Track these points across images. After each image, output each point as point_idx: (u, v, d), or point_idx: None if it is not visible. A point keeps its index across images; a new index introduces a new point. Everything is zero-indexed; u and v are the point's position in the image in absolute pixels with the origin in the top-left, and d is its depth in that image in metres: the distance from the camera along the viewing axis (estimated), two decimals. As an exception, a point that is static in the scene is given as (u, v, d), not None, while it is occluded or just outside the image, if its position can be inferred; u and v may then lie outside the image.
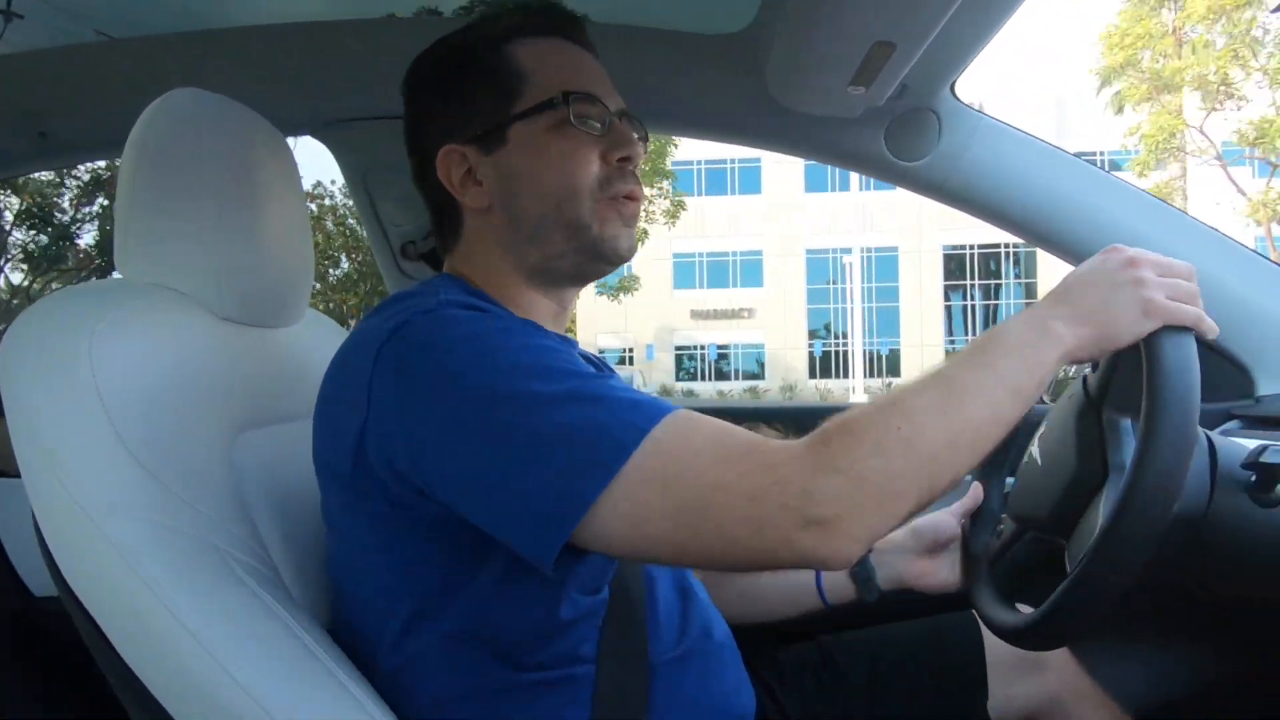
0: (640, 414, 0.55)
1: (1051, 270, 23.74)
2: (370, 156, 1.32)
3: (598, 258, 0.72)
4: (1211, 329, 0.63)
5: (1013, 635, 0.73)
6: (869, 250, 25.42)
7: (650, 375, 26.49)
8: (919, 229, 24.13)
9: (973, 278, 25.96)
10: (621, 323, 26.87)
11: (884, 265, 25.87)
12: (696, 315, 26.89)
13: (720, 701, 0.77)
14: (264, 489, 0.75)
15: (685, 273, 27.08)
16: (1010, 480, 0.88)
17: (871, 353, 25.54)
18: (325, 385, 0.68)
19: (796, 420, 0.91)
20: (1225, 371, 1.13)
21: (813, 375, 25.79)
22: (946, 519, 0.93)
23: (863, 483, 0.52)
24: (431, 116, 0.74)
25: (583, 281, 0.76)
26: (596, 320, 26.30)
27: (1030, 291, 24.40)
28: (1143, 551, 0.58)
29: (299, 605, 0.68)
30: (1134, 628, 1.06)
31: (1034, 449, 0.82)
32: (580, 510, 0.53)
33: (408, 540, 0.64)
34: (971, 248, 24.44)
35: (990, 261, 25.37)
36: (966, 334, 25.58)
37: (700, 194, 26.47)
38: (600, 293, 19.51)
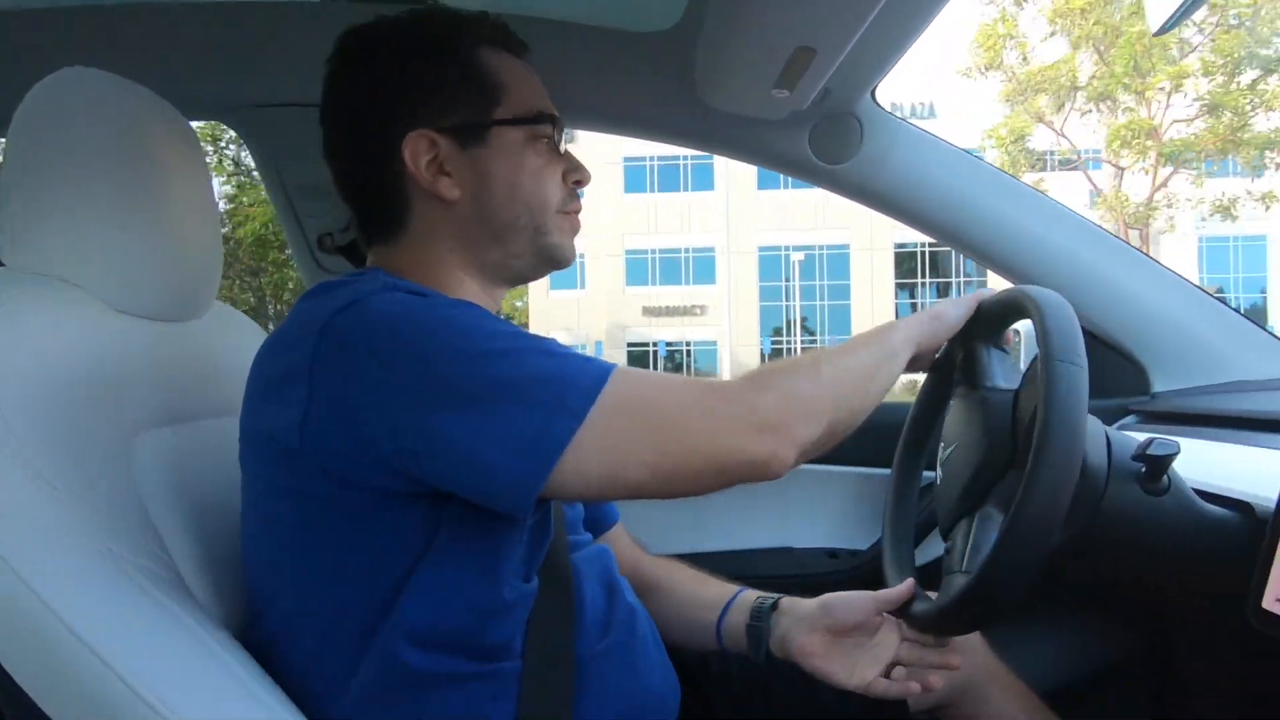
0: (595, 364, 0.62)
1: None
2: (285, 144, 1.26)
3: (550, 262, 0.79)
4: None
5: (924, 621, 0.75)
6: (821, 248, 25.79)
7: None
8: (870, 226, 24.47)
9: (923, 275, 26.48)
10: (575, 319, 26.86)
11: (836, 262, 26.20)
12: (649, 312, 26.92)
13: (645, 695, 0.78)
14: (167, 490, 0.72)
15: (638, 269, 27.12)
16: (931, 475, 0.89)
17: (823, 350, 25.95)
18: (259, 368, 0.68)
19: None
20: (1123, 369, 1.19)
21: (765, 373, 26.10)
22: (861, 601, 0.83)
23: (790, 395, 0.66)
24: (399, 98, 0.73)
25: (524, 282, 0.82)
26: (551, 317, 26.27)
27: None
28: (1043, 539, 0.61)
29: (203, 608, 0.66)
30: (1039, 611, 1.12)
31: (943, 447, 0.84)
32: (558, 448, 0.58)
33: (349, 524, 0.64)
34: (922, 246, 24.94)
35: (940, 259, 25.96)
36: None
37: (653, 190, 26.58)
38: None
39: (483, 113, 0.74)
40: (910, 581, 0.82)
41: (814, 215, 25.29)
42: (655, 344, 26.93)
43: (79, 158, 0.71)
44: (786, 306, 26.45)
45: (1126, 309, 1.17)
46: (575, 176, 0.79)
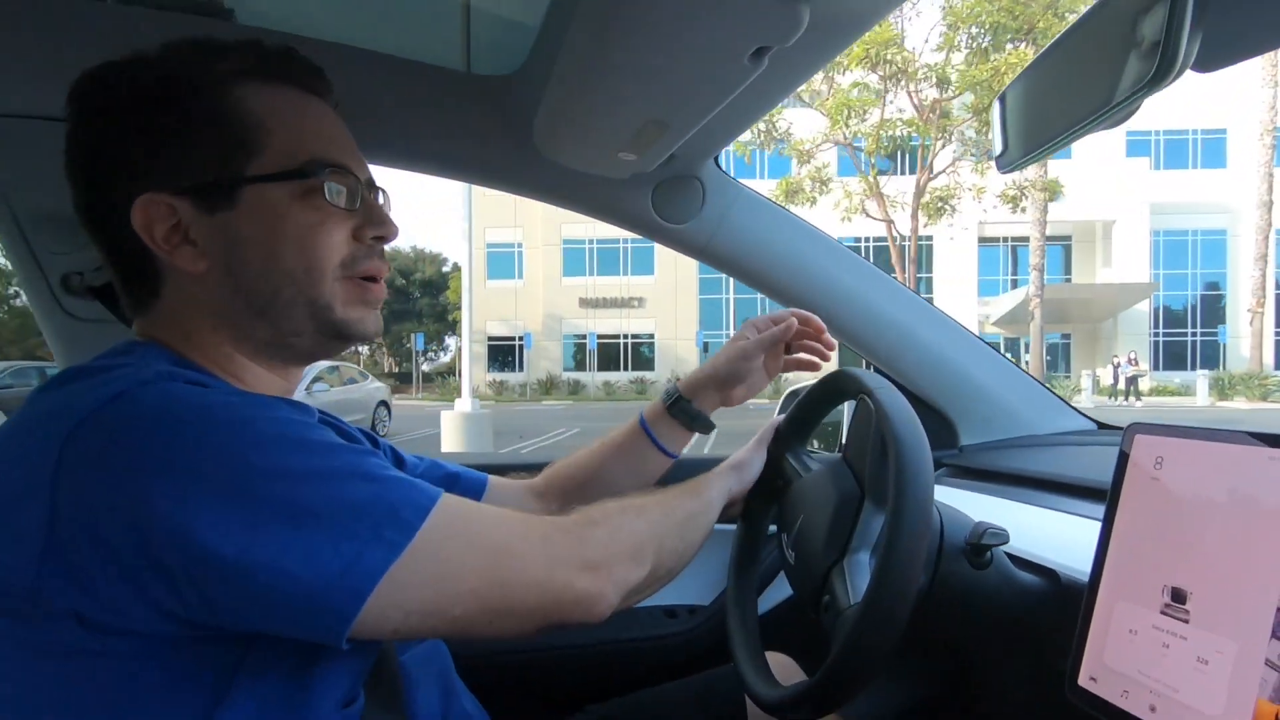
0: (419, 491, 0.57)
1: (946, 264, 24.78)
2: (16, 164, 1.07)
3: (340, 338, 0.67)
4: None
5: (778, 709, 0.77)
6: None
7: (537, 364, 26.16)
8: (818, 221, 24.42)
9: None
10: (512, 310, 26.46)
11: None
12: (586, 304, 26.71)
13: None
14: None
15: (575, 260, 26.82)
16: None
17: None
18: None
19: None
20: (933, 425, 1.29)
21: (702, 366, 26.07)
22: (749, 344, 0.98)
23: (617, 533, 0.67)
24: (127, 152, 0.61)
25: (318, 359, 0.70)
26: (488, 306, 25.79)
27: (928, 286, 25.33)
28: (902, 616, 0.64)
29: None
30: None
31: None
32: (370, 582, 0.52)
33: (105, 679, 0.52)
34: (867, 240, 24.77)
35: (883, 255, 26.15)
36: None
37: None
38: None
39: (231, 167, 0.61)
40: (792, 318, 0.99)
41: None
42: (585, 336, 26.79)
43: None
44: (726, 300, 26.58)
45: (939, 368, 1.27)
46: (374, 231, 0.67)
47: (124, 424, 0.51)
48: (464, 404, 10.02)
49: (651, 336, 26.94)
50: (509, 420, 16.26)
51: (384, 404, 14.35)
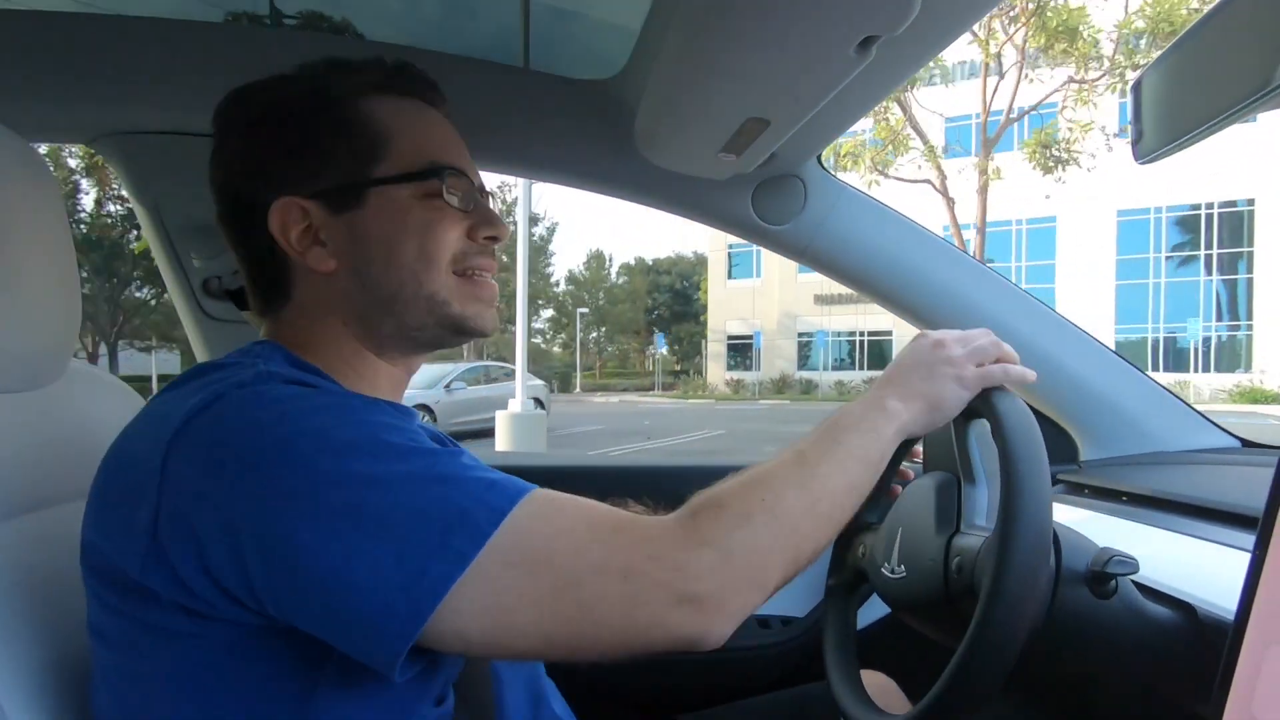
0: (497, 493, 0.52)
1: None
2: (163, 177, 1.13)
3: (459, 332, 0.69)
4: (1025, 375, 0.75)
5: None
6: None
7: (772, 362, 25.70)
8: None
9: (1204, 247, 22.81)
10: (750, 308, 26.41)
11: (1039, 239, 23.74)
12: (820, 300, 25.72)
13: None
14: (1, 604, 0.62)
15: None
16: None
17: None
18: (103, 475, 0.58)
19: (678, 479, 0.85)
20: (1053, 437, 1.21)
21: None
22: None
23: (732, 557, 0.54)
24: (266, 162, 0.66)
25: (441, 348, 0.73)
26: (728, 305, 25.80)
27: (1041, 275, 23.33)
28: (1011, 649, 0.60)
29: None
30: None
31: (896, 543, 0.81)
32: (431, 603, 0.49)
33: (209, 662, 0.54)
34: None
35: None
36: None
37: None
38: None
39: (358, 171, 0.66)
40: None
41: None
42: (813, 334, 25.96)
43: None
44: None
45: (1058, 378, 1.19)
46: (486, 232, 0.69)
47: (215, 430, 0.53)
48: (515, 405, 10.09)
49: (889, 333, 25.48)
50: (657, 419, 16.29)
51: (536, 399, 14.02)
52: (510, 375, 14.63)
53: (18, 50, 1.01)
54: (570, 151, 1.16)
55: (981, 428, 0.78)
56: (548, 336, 46.63)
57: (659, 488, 0.91)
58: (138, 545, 0.53)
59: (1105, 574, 0.69)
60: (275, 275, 0.68)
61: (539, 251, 39.67)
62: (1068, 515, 1.07)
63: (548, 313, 45.05)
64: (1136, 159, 0.61)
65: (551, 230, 43.01)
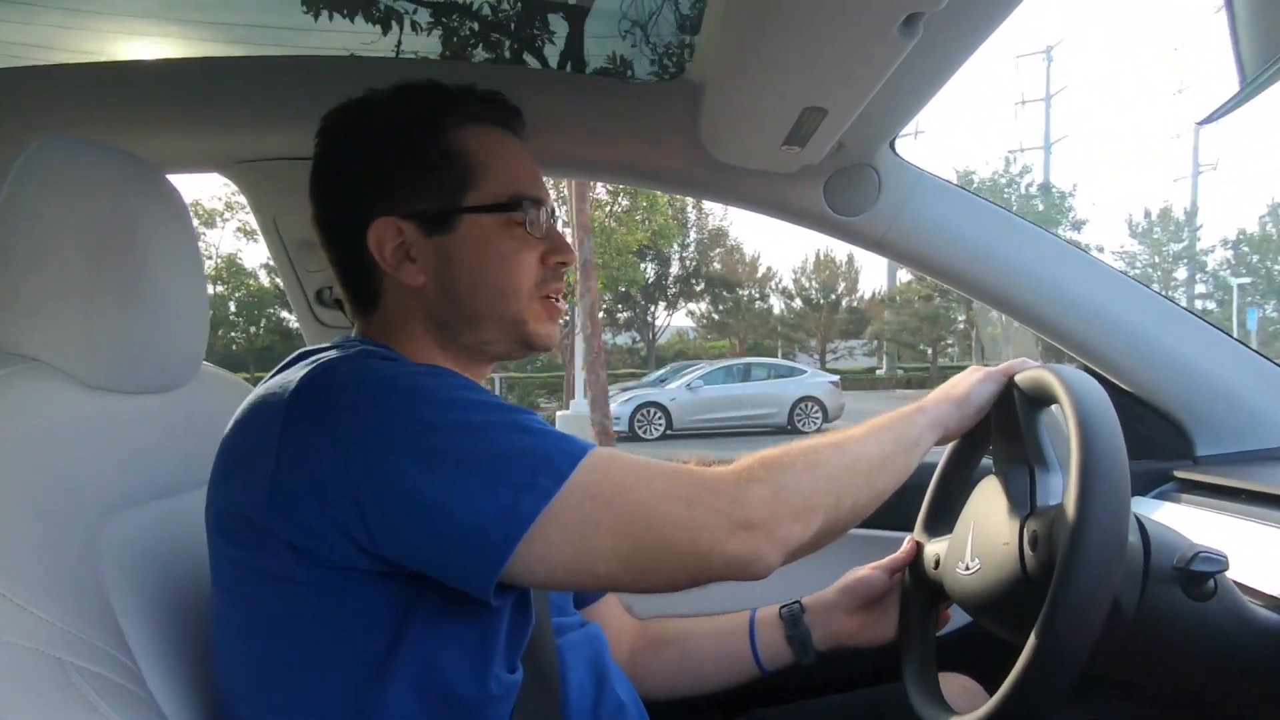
0: (572, 444, 0.61)
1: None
2: (282, 198, 1.24)
3: (528, 348, 0.76)
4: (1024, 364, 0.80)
5: None
6: None
7: None
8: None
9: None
10: None
11: None
12: None
13: None
14: (136, 576, 0.69)
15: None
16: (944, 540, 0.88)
17: None
18: (228, 439, 0.66)
19: None
20: (1164, 431, 1.12)
21: None
22: (876, 575, 0.94)
23: (781, 490, 0.62)
24: (368, 181, 0.72)
25: (508, 360, 0.80)
26: None
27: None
28: (1080, 647, 0.58)
29: (162, 714, 0.64)
30: (1074, 713, 1.07)
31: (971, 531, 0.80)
32: (520, 530, 0.56)
33: (318, 607, 0.61)
34: None
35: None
36: None
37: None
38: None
39: (452, 198, 0.72)
40: (911, 541, 0.92)
41: None
42: None
43: (56, 232, 0.71)
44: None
45: (1168, 367, 1.11)
46: (557, 258, 0.75)
47: (327, 391, 0.61)
48: (578, 405, 10.19)
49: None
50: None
51: (810, 399, 14.43)
52: (793, 373, 14.71)
53: (155, 93, 1.14)
54: (640, 153, 1.18)
55: (1049, 415, 0.75)
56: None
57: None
58: (261, 493, 0.60)
59: (1193, 573, 0.64)
60: (366, 284, 0.75)
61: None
62: (1179, 515, 0.99)
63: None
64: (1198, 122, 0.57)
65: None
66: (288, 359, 0.71)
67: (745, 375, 15.22)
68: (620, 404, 14.67)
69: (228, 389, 0.93)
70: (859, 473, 0.69)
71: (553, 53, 1.14)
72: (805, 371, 15.39)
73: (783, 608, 0.97)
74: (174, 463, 0.79)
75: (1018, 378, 0.79)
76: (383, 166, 0.72)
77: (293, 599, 0.61)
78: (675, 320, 27.56)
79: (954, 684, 0.91)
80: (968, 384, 0.81)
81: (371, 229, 0.71)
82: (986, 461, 0.89)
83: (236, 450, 0.65)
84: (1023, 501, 0.73)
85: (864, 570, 0.96)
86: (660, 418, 14.33)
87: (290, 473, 0.59)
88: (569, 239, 0.81)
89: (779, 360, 17.89)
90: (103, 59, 1.19)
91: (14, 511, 0.62)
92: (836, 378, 15.83)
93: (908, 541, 0.94)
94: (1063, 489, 0.70)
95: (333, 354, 0.66)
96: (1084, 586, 0.58)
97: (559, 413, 12.86)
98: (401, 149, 0.72)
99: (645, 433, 14.24)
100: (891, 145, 1.13)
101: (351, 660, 0.62)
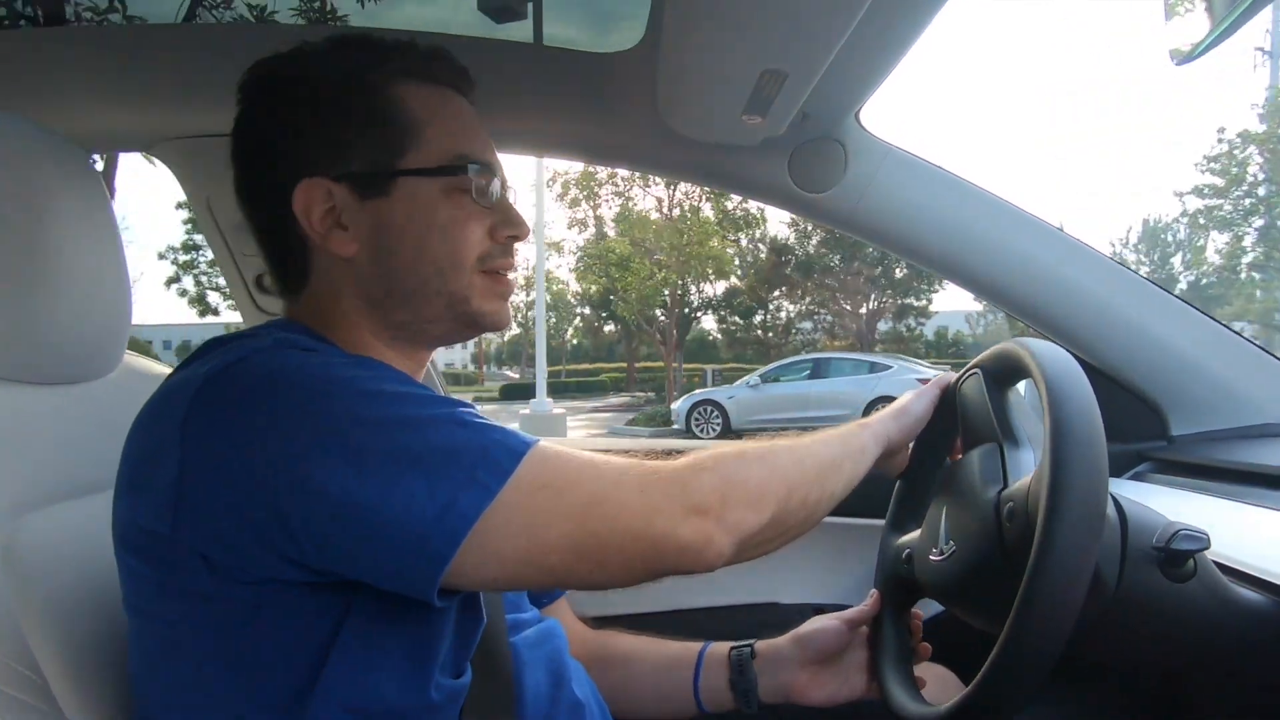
0: (514, 437, 0.57)
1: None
2: (214, 178, 1.15)
3: (473, 327, 0.70)
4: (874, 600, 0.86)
5: None
6: None
7: None
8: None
9: None
10: None
11: None
12: None
13: None
14: (46, 582, 0.65)
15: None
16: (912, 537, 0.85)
17: None
18: (129, 446, 0.59)
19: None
20: (1137, 411, 1.10)
21: None
22: (835, 626, 0.88)
23: (731, 478, 0.61)
24: (295, 140, 0.65)
25: (449, 344, 0.74)
26: None
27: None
28: (1057, 633, 0.56)
29: None
30: (1047, 695, 1.04)
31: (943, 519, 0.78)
32: (463, 529, 0.52)
33: (237, 625, 0.56)
34: None
35: None
36: None
37: None
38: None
39: (388, 159, 0.65)
40: (876, 594, 0.88)
41: None
42: None
43: None
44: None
45: (1141, 346, 1.08)
46: (508, 231, 0.69)
47: (238, 386, 0.55)
48: (537, 404, 10.11)
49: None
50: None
51: (888, 401, 13.34)
52: (875, 369, 13.52)
53: (76, 65, 1.05)
54: (594, 128, 1.13)
55: (1015, 395, 0.75)
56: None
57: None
58: (164, 501, 0.54)
59: (1174, 551, 0.61)
60: (294, 255, 0.68)
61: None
62: (1155, 495, 0.96)
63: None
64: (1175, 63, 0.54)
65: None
66: (195, 350, 0.64)
67: (817, 371, 14.18)
68: (679, 402, 14.40)
69: (152, 380, 0.88)
70: (809, 469, 0.67)
71: (511, 25, 1.09)
72: (890, 367, 13.63)
73: (733, 648, 0.91)
74: (91, 459, 0.73)
75: (981, 358, 0.79)
76: (311, 124, 0.65)
77: (208, 616, 0.56)
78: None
79: (928, 673, 0.87)
80: (904, 399, 0.85)
81: (297, 191, 0.64)
82: None
83: (136, 457, 0.58)
84: (995, 477, 0.71)
85: (823, 621, 0.90)
86: (717, 416, 13.59)
87: (197, 479, 0.53)
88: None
89: (860, 355, 16.02)
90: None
91: None
92: (933, 374, 14.74)
93: (871, 596, 0.88)
94: (1035, 461, 0.68)
95: (244, 344, 0.58)
96: (1068, 544, 0.55)
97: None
98: (334, 104, 0.65)
99: (702, 431, 13.52)
100: (856, 117, 1.09)
101: (275, 678, 0.57)
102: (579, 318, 27.45)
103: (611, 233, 20.20)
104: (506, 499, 0.53)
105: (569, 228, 21.78)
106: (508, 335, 33.60)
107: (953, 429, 0.83)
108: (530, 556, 0.55)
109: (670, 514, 0.57)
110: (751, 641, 0.91)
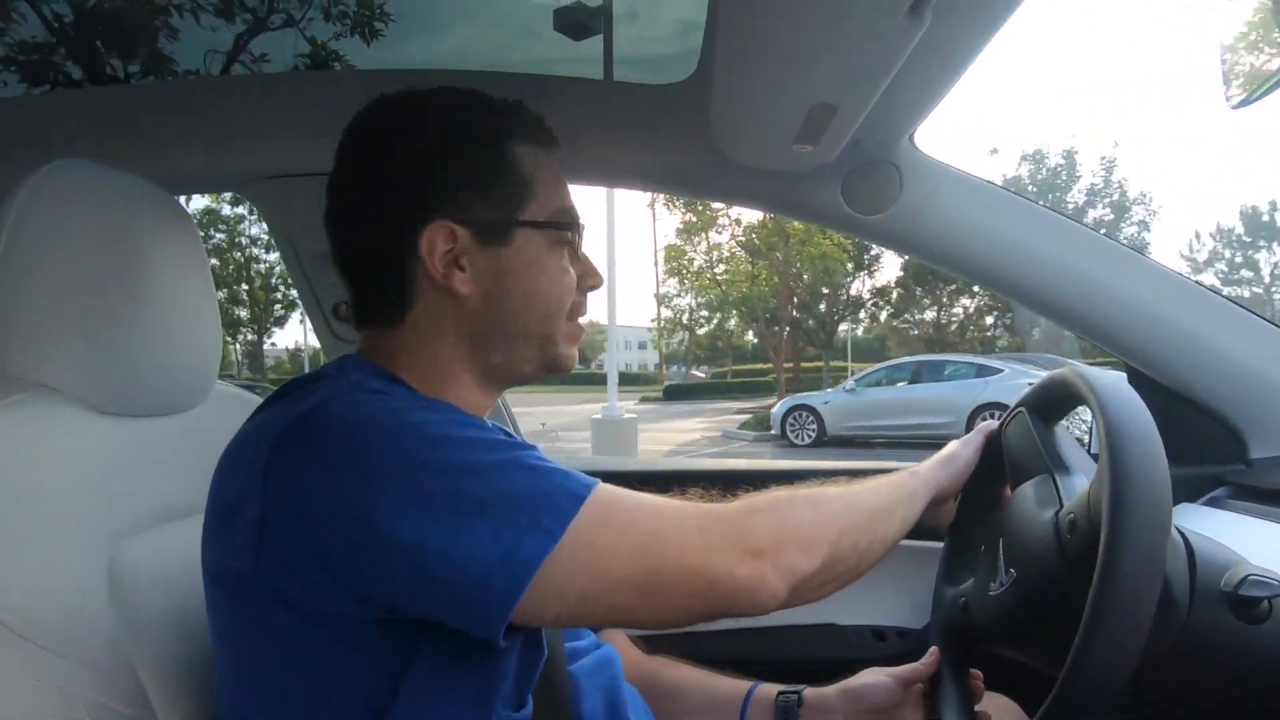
0: (575, 481, 0.59)
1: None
2: (299, 213, 1.23)
3: (552, 369, 0.74)
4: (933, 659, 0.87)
5: None
6: None
7: None
8: None
9: None
10: None
11: None
12: None
13: None
14: (149, 603, 0.69)
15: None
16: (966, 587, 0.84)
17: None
18: (215, 486, 0.63)
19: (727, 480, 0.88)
20: (1214, 434, 1.06)
21: None
22: (886, 683, 0.88)
23: (784, 523, 0.63)
24: (429, 182, 0.68)
25: (522, 384, 0.77)
26: None
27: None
28: (1134, 640, 0.55)
29: None
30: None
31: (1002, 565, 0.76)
32: (526, 574, 0.54)
33: (313, 662, 0.59)
34: None
35: None
36: None
37: None
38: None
39: (510, 210, 0.69)
40: (935, 652, 0.86)
41: None
42: None
43: (63, 257, 0.70)
44: None
45: (1216, 364, 1.04)
46: (590, 282, 0.75)
47: (317, 433, 0.57)
48: (608, 409, 10.14)
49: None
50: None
51: (997, 407, 11.38)
52: (983, 373, 12.27)
53: (165, 114, 1.13)
54: (656, 157, 1.16)
55: (1061, 429, 0.76)
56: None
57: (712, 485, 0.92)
58: (247, 543, 0.57)
59: (1243, 598, 0.59)
60: (401, 290, 0.69)
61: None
62: (1232, 524, 0.92)
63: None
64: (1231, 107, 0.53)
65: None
66: (274, 391, 0.67)
67: (919, 375, 13.28)
68: (776, 407, 14.08)
69: (241, 407, 0.92)
70: (860, 514, 0.70)
71: (572, 60, 1.13)
72: (1000, 372, 12.23)
73: (780, 693, 0.91)
74: (187, 485, 0.77)
75: (1024, 397, 0.81)
76: (446, 167, 0.68)
77: (285, 651, 0.59)
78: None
79: (990, 704, 0.86)
80: (951, 447, 0.87)
81: (427, 230, 0.67)
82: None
83: (222, 498, 0.62)
84: (1051, 500, 0.71)
85: (875, 675, 0.90)
86: (812, 422, 13.18)
87: (277, 522, 0.57)
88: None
89: (967, 358, 14.70)
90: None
91: (21, 542, 0.61)
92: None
93: (929, 655, 0.87)
94: (1091, 479, 0.67)
95: (321, 388, 0.62)
96: (1136, 546, 0.54)
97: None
98: (461, 154, 0.69)
99: (797, 438, 13.22)
100: (911, 139, 1.08)
101: (348, 711, 0.60)
102: (734, 318, 27.35)
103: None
104: (569, 541, 0.55)
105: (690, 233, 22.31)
106: (683, 338, 33.66)
107: (1000, 476, 0.83)
108: (593, 595, 0.57)
109: (727, 555, 0.59)
110: (801, 688, 0.91)
